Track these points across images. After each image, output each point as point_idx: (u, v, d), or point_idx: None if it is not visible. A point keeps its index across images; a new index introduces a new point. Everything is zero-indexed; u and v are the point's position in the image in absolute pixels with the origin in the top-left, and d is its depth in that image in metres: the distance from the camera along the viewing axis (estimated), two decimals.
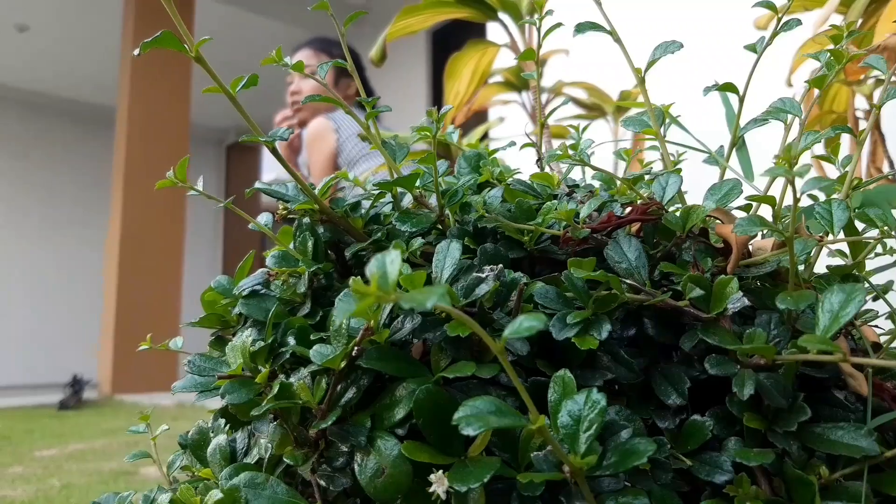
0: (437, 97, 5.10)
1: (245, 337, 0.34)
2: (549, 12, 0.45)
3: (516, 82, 1.66)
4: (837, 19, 0.88)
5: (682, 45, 0.37)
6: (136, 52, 0.34)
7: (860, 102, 0.90)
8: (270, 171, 9.55)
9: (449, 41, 5.12)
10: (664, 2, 1.77)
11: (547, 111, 1.82)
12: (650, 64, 0.38)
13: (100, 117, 6.81)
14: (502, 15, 0.89)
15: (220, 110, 7.12)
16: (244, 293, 0.39)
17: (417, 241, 0.36)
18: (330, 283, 0.39)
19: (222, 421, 0.38)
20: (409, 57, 5.24)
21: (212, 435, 0.39)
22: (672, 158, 0.59)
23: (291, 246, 0.40)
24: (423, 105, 5.08)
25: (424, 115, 0.45)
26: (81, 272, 6.64)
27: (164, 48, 0.33)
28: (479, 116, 1.93)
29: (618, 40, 0.39)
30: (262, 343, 0.34)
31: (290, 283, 0.38)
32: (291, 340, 0.34)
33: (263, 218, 0.40)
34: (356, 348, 0.30)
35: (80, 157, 6.83)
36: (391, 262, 0.21)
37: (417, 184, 0.40)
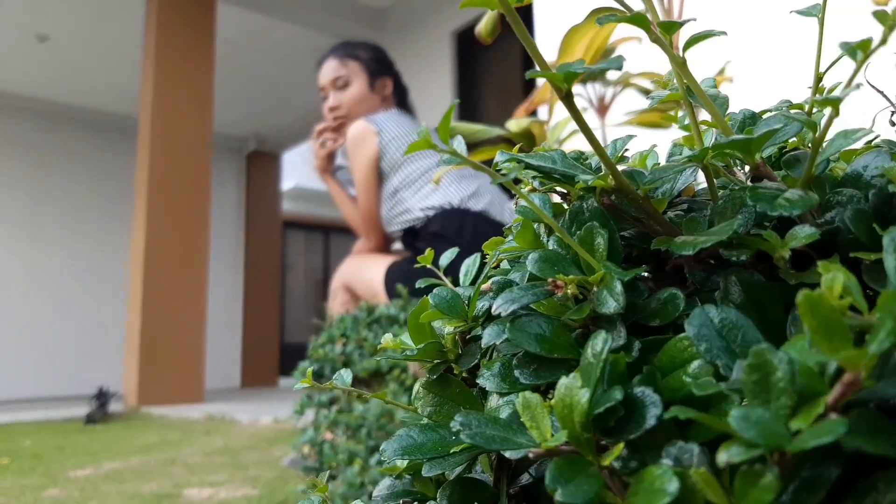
0: (461, 98, 4.98)
1: (570, 387, 0.20)
2: None
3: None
4: None
5: None
6: None
7: None
8: (290, 178, 9.57)
9: (473, 41, 5.01)
10: None
11: (616, 103, 1.67)
12: None
13: (121, 127, 6.77)
14: None
15: (240, 119, 7.06)
16: (510, 312, 0.25)
17: (804, 231, 0.23)
18: (633, 297, 0.25)
19: None
20: (434, 58, 5.14)
21: None
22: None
23: (545, 244, 0.27)
24: (448, 106, 4.97)
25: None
26: (102, 284, 6.58)
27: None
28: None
29: None
30: (575, 396, 0.20)
31: (566, 298, 0.25)
32: (651, 397, 0.20)
33: (539, 198, 0.27)
34: (834, 415, 0.16)
35: (101, 168, 6.78)
36: None
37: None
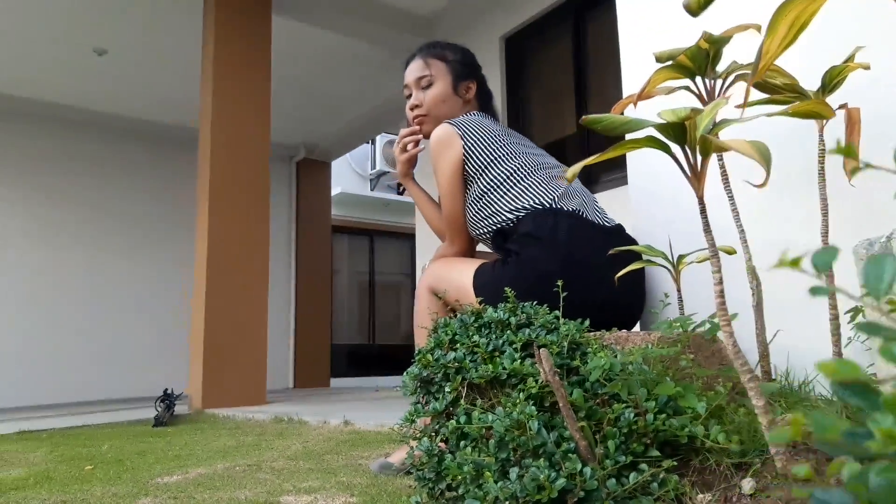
0: (510, 102, 4.92)
1: None
2: None
3: (691, 66, 1.46)
4: None
5: None
6: None
7: None
8: (338, 185, 9.72)
9: (522, 47, 4.93)
10: None
11: (728, 95, 1.58)
12: None
13: (178, 138, 6.94)
14: None
15: (291, 127, 7.15)
16: None
17: None
18: None
19: None
20: (483, 64, 5.09)
21: None
22: None
23: None
24: (499, 109, 4.91)
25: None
26: (160, 289, 6.76)
27: None
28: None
29: None
30: None
31: None
32: None
33: None
34: None
35: (159, 177, 6.98)
36: None
37: None
